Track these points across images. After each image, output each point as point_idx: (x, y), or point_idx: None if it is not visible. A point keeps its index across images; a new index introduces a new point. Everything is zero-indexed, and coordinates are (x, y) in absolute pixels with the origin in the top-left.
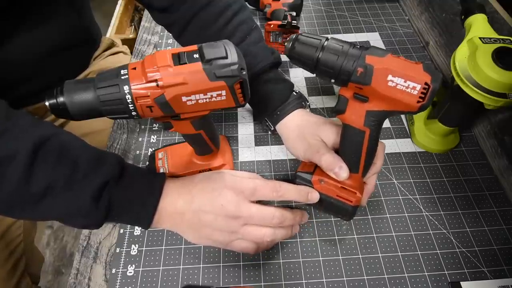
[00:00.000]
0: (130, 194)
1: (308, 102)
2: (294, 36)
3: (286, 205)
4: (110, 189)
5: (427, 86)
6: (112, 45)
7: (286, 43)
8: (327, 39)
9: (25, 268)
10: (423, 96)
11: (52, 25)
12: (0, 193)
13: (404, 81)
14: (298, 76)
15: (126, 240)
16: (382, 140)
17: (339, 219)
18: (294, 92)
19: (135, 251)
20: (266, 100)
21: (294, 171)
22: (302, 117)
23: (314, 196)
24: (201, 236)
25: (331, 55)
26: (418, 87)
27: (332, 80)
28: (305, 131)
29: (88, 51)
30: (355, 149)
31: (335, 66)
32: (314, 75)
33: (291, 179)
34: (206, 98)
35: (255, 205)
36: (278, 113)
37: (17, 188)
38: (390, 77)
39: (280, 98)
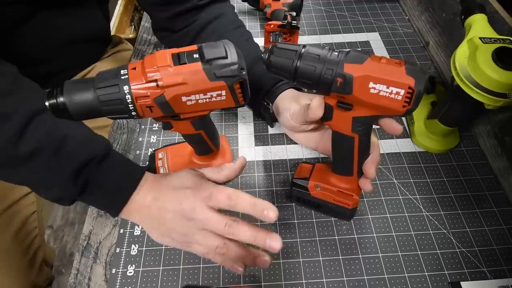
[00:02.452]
0: (108, 178)
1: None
2: (269, 48)
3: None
4: (91, 168)
5: (411, 90)
6: (120, 41)
7: (262, 55)
8: (304, 46)
9: (43, 257)
10: (408, 100)
11: (79, 18)
12: None
13: (387, 87)
14: None
15: (126, 240)
16: (382, 140)
17: (339, 219)
18: None
19: (135, 251)
20: (264, 78)
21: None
22: (297, 93)
23: (270, 215)
24: (162, 233)
25: (308, 66)
26: (402, 92)
27: (314, 90)
28: (298, 98)
29: (102, 46)
30: (346, 154)
31: (313, 78)
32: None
33: (291, 182)
34: (206, 98)
35: (212, 211)
36: (276, 90)
37: (5, 145)
38: (371, 85)
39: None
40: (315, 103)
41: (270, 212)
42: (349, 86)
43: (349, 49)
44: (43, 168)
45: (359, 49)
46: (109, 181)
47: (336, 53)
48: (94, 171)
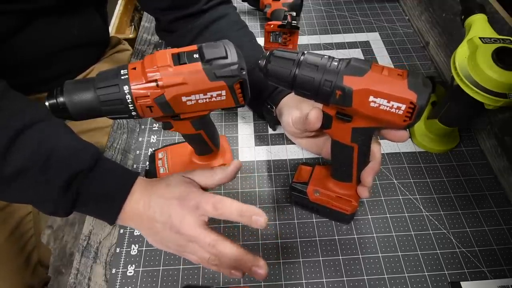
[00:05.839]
0: (98, 188)
1: None
2: (266, 55)
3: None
4: (80, 180)
5: (413, 105)
6: (118, 42)
7: (259, 61)
8: (302, 53)
9: (38, 258)
10: (409, 115)
11: (76, 23)
12: None
13: (387, 102)
14: None
15: (126, 240)
16: (382, 140)
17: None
18: None
19: (135, 251)
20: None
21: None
22: (300, 98)
23: (260, 222)
24: (157, 241)
25: (306, 77)
26: (403, 107)
27: (312, 101)
28: (300, 104)
29: (101, 48)
30: (346, 162)
31: (312, 89)
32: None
33: (289, 186)
34: (206, 98)
35: (200, 226)
36: (279, 93)
37: None
38: (371, 98)
39: None
40: (312, 116)
41: (259, 219)
42: (349, 99)
43: (349, 58)
44: (32, 186)
45: (360, 49)
46: (99, 191)
47: (336, 63)
48: (83, 183)
